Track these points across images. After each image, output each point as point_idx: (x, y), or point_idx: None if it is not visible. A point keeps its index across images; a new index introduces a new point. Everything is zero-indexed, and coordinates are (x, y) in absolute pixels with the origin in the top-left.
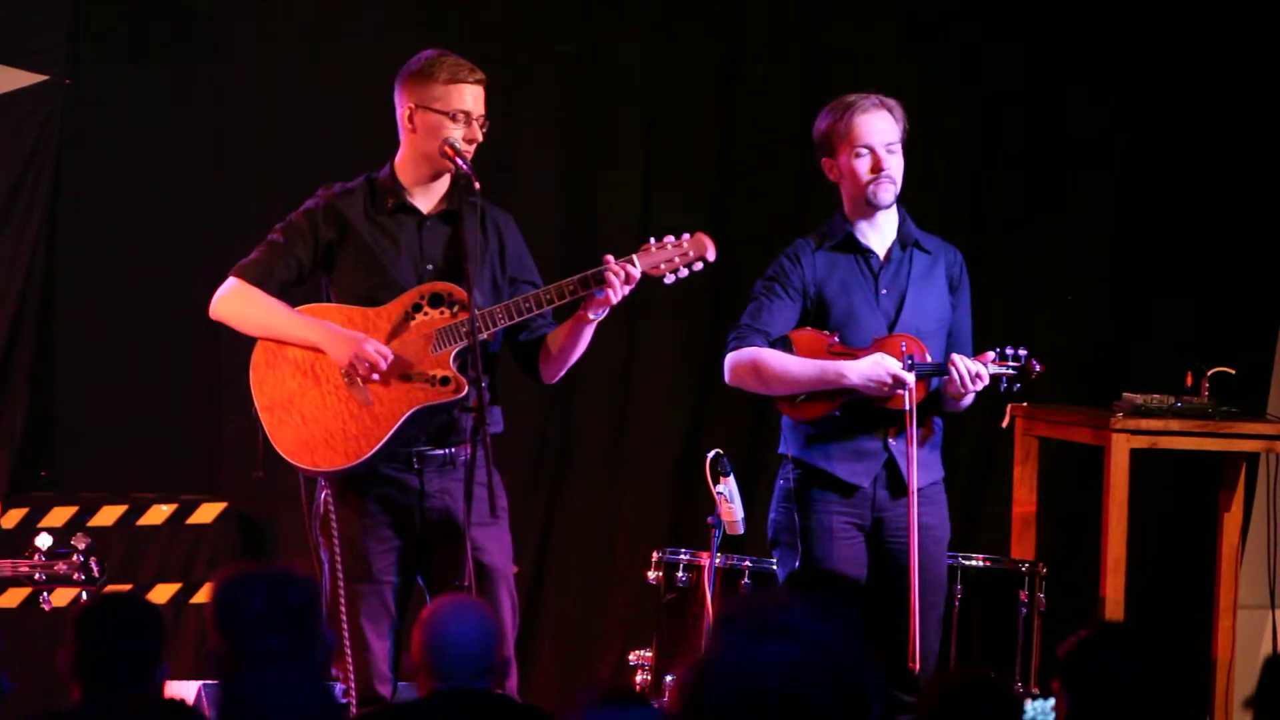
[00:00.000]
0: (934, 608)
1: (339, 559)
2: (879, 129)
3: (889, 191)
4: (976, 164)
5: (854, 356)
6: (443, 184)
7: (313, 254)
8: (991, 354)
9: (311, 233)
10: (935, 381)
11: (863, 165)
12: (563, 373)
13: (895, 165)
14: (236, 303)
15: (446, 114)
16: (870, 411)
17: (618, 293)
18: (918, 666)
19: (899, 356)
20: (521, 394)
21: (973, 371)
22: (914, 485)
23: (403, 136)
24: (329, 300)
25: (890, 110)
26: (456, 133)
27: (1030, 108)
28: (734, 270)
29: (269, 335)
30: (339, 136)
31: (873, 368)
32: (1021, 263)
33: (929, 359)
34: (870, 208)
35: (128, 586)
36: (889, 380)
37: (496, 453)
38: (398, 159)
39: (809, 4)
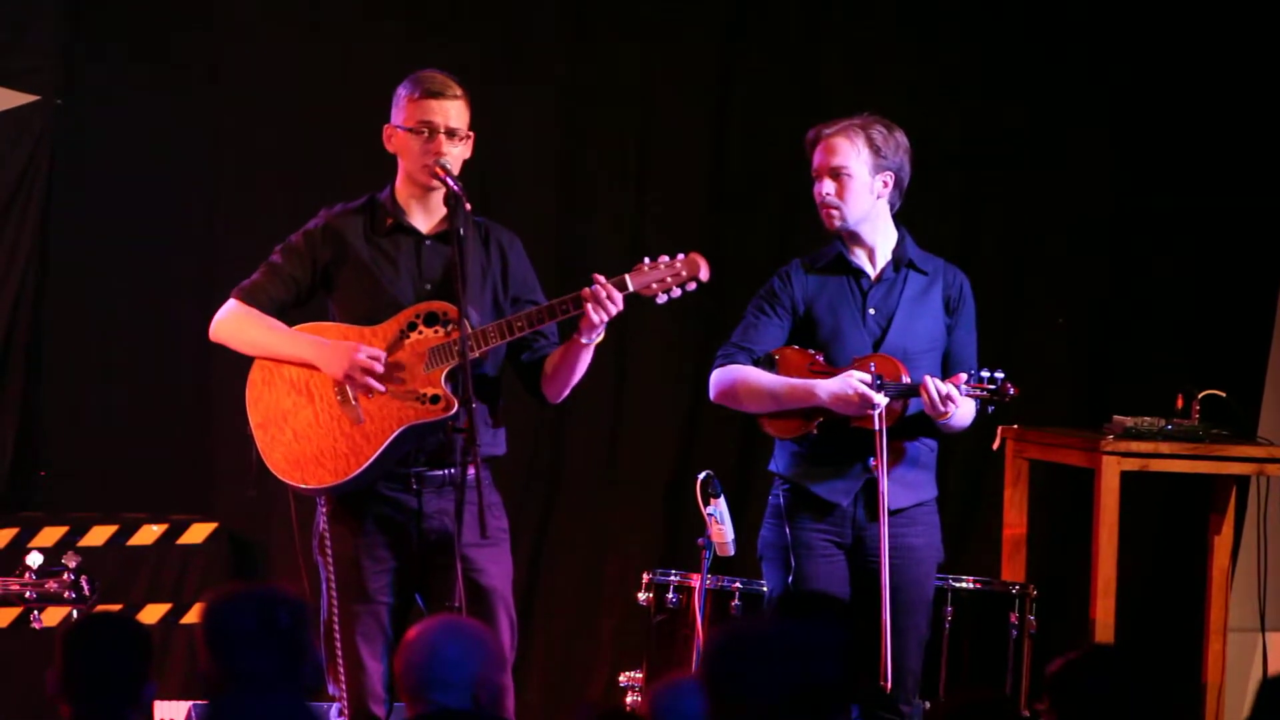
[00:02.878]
0: (914, 629)
1: (333, 579)
2: (824, 153)
3: (831, 217)
4: (969, 185)
5: (833, 375)
6: (441, 203)
7: (310, 275)
8: (964, 376)
9: (309, 253)
10: (916, 403)
11: (816, 191)
12: (566, 393)
13: (840, 190)
14: (234, 325)
15: (410, 130)
16: (851, 432)
17: (601, 312)
18: (889, 685)
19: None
20: (513, 415)
21: (943, 393)
22: (885, 505)
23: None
24: (332, 320)
25: (851, 133)
26: (416, 146)
27: (1023, 132)
28: (725, 292)
29: (266, 355)
30: (334, 156)
31: (841, 385)
32: (1013, 285)
33: (905, 379)
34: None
35: (118, 607)
36: (855, 398)
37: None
38: (396, 179)
39: (803, 23)
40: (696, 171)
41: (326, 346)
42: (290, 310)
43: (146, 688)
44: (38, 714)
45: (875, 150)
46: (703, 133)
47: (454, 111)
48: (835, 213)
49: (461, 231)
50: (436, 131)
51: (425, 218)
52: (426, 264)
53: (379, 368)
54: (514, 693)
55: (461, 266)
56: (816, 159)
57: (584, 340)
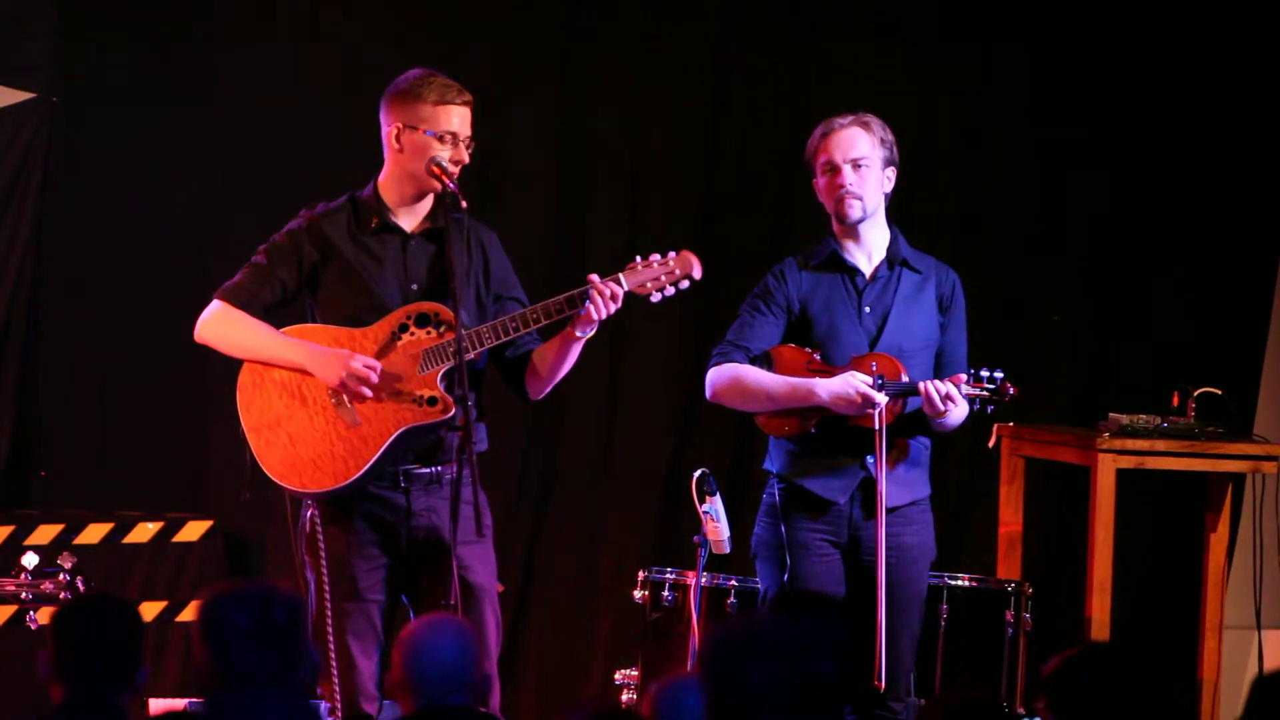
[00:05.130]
0: (908, 627)
1: (325, 577)
2: (844, 145)
3: (854, 207)
4: (965, 184)
5: (831, 374)
6: (427, 203)
7: (297, 275)
8: (964, 375)
9: (295, 253)
10: (913, 401)
11: (829, 182)
12: (549, 389)
13: (861, 180)
14: (220, 326)
15: (434, 135)
16: (849, 430)
17: (601, 310)
18: (883, 685)
19: (870, 375)
20: (507, 412)
21: (943, 392)
22: (883, 503)
23: (388, 155)
24: (313, 321)
25: (866, 126)
26: (444, 154)
27: (1019, 130)
28: (719, 289)
29: (254, 358)
30: (330, 154)
31: (842, 385)
32: (1009, 282)
33: (904, 378)
34: (844, 225)
35: None
36: (857, 398)
37: (482, 470)
38: (381, 178)
39: (797, 24)
40: (693, 171)
41: (320, 353)
42: (275, 312)
43: (139, 671)
44: (33, 713)
45: (884, 144)
46: (699, 132)
47: (468, 117)
48: (858, 203)
49: (446, 229)
50: (459, 139)
51: (410, 217)
52: (412, 263)
53: (375, 377)
54: (499, 687)
55: (453, 265)
56: (832, 152)
57: (579, 334)
